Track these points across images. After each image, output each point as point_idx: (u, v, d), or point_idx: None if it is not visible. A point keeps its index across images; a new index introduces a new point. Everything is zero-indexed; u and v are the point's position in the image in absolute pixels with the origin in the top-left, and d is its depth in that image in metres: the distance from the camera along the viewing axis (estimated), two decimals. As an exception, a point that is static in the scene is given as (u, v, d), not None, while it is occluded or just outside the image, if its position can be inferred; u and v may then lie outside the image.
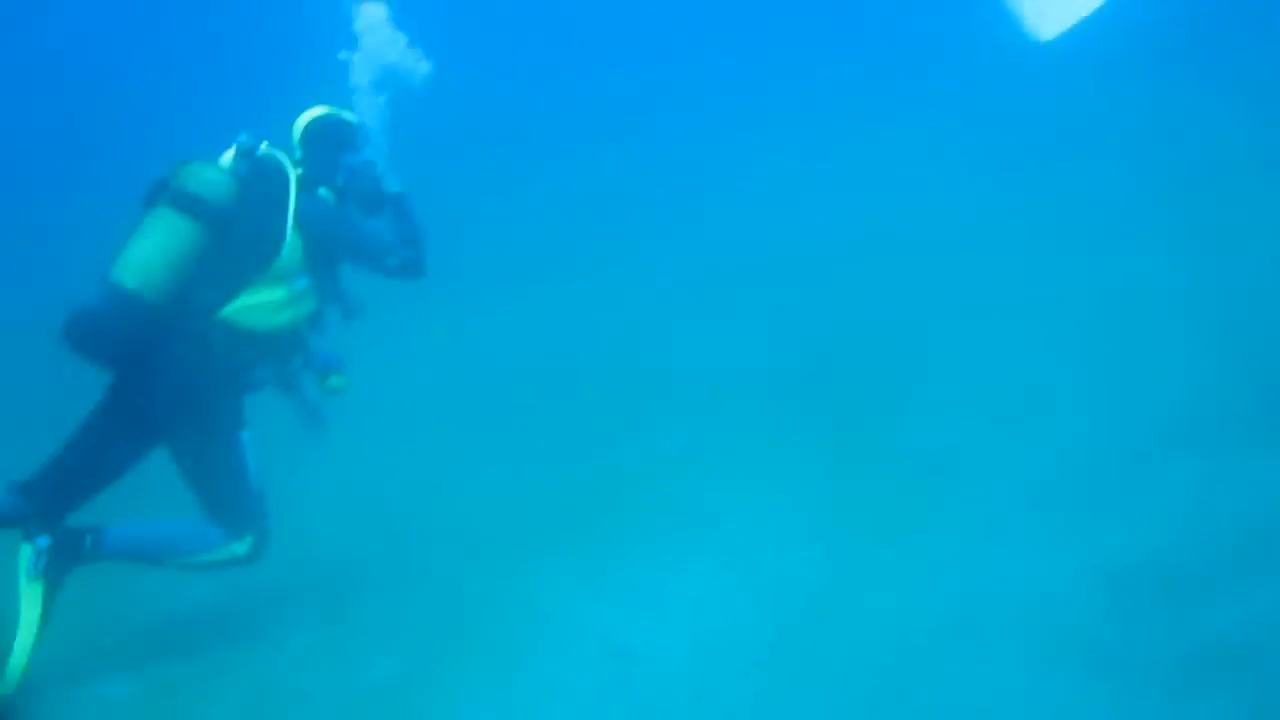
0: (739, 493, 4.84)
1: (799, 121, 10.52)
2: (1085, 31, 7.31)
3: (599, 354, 6.76)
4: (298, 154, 4.11)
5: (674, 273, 7.94)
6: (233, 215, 3.77)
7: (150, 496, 4.03)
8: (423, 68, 4.43)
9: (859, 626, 3.78)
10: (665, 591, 4.18)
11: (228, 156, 3.93)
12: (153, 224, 3.71)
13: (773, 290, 7.23)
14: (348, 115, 4.23)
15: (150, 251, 3.65)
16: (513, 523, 4.90)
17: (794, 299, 6.99)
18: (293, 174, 3.95)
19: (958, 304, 6.33)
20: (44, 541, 3.57)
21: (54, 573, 3.57)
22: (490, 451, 5.69)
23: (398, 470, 5.61)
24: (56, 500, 3.73)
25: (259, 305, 3.83)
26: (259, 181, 3.88)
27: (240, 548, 3.83)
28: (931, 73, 10.52)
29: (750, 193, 9.27)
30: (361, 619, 4.24)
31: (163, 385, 3.74)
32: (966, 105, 9.66)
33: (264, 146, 3.98)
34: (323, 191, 4.07)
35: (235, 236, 3.77)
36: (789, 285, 7.21)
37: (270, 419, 4.17)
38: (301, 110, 4.23)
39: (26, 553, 3.55)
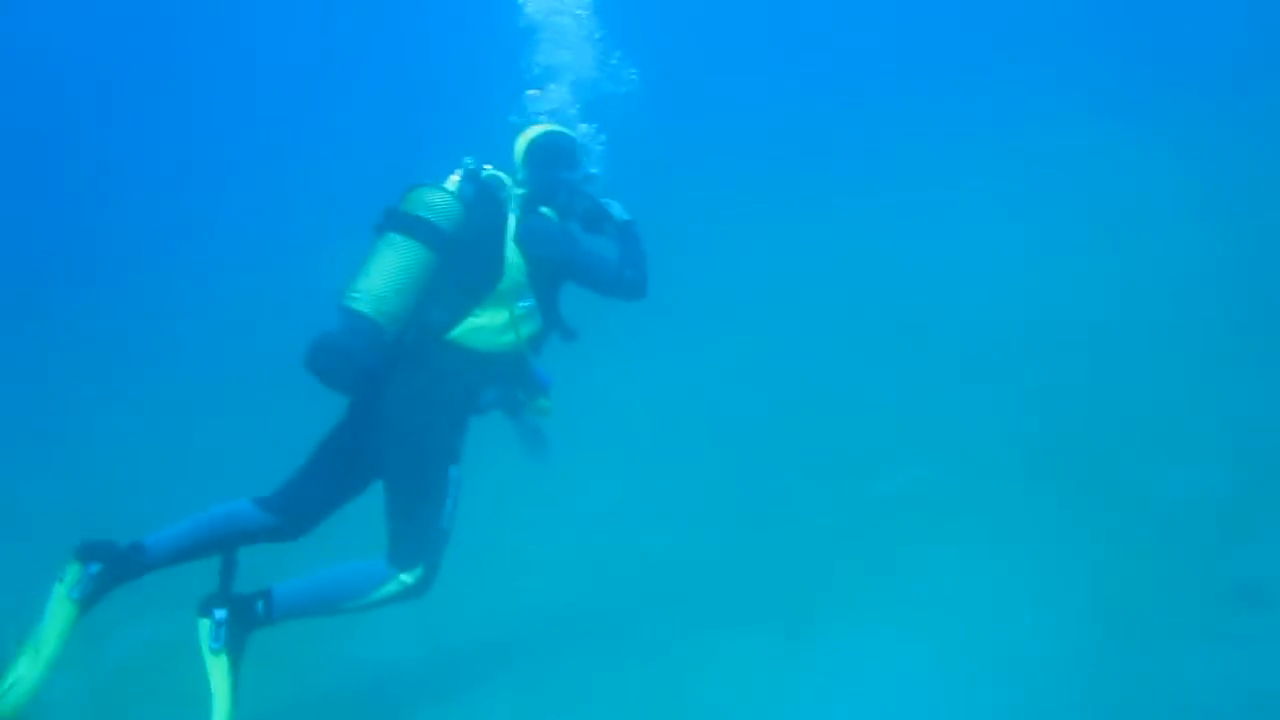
0: (960, 553, 4.46)
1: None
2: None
3: (803, 388, 6.48)
4: (520, 173, 4.10)
5: (879, 305, 7.60)
6: (459, 238, 3.81)
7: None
8: (627, 79, 4.42)
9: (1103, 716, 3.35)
10: (874, 667, 3.84)
11: (453, 180, 3.96)
12: (384, 250, 3.76)
13: (989, 323, 6.81)
14: (568, 131, 4.20)
15: (383, 277, 3.71)
16: (714, 580, 4.63)
17: (1014, 332, 6.57)
18: (514, 195, 3.98)
19: (1195, 339, 5.77)
20: (221, 615, 3.54)
21: (235, 643, 3.53)
22: (689, 498, 5.47)
23: (597, 516, 5.43)
24: (296, 518, 3.82)
25: (484, 327, 3.84)
26: (483, 204, 3.93)
27: (409, 578, 3.69)
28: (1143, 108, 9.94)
29: (963, 225, 8.84)
30: (560, 685, 4.02)
31: (395, 407, 3.77)
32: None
33: (488, 169, 4.01)
34: (545, 210, 4.02)
35: (462, 259, 3.82)
36: (1008, 319, 6.79)
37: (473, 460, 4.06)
38: (520, 131, 4.20)
39: (206, 628, 3.52)
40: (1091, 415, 5.36)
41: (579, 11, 4.45)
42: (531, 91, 4.32)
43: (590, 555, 5.02)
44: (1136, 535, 4.31)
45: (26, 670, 3.43)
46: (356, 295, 3.69)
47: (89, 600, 3.54)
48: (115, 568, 3.58)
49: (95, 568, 3.54)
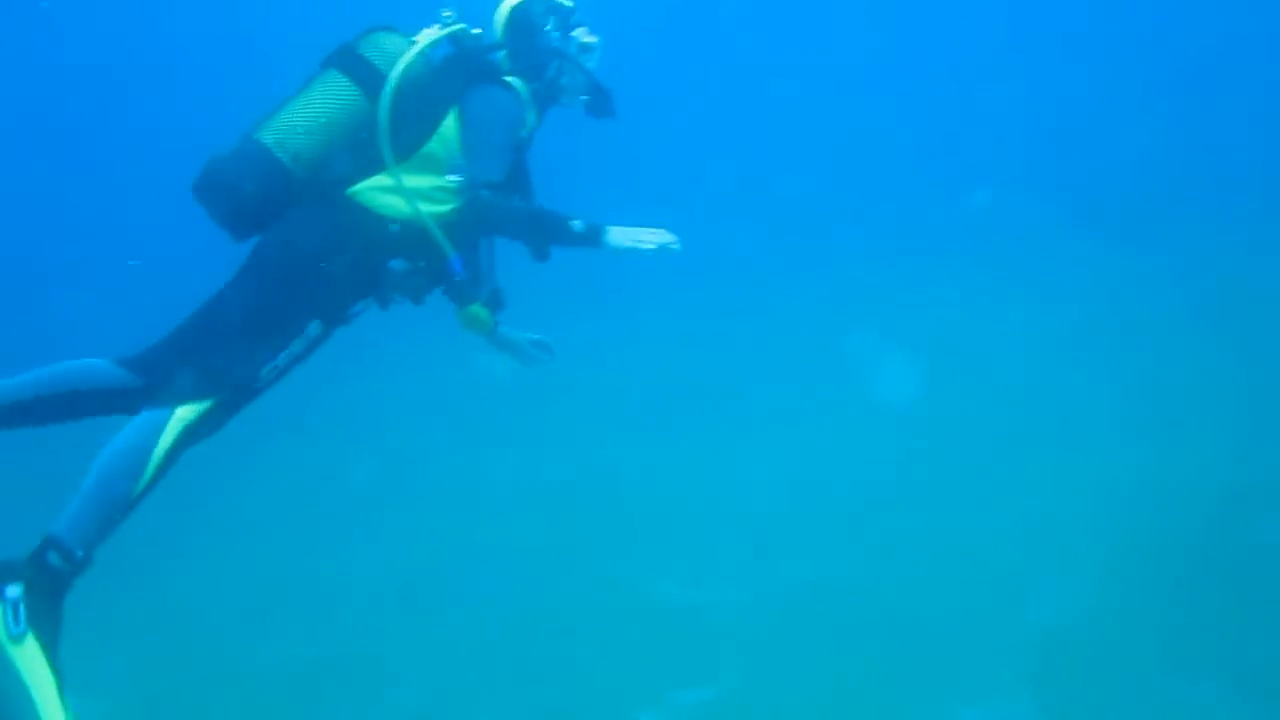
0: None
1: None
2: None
3: (592, 587, 5.48)
4: (502, 46, 3.63)
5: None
6: (409, 98, 3.35)
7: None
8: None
9: None
10: None
11: (427, 34, 3.51)
12: (316, 85, 3.37)
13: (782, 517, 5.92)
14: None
15: (301, 113, 3.31)
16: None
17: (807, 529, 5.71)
18: (476, 61, 3.51)
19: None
20: (15, 591, 2.78)
21: (42, 619, 2.78)
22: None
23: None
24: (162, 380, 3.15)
25: (390, 189, 3.32)
26: (452, 69, 3.48)
27: (190, 413, 3.02)
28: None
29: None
30: None
31: (271, 247, 3.30)
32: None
33: (476, 31, 3.59)
34: (513, 80, 3.51)
35: (401, 118, 3.33)
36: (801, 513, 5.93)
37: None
38: None
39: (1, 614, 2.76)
40: (888, 638, 4.63)
41: None
42: None
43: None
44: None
45: None
46: (265, 125, 3.29)
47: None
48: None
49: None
